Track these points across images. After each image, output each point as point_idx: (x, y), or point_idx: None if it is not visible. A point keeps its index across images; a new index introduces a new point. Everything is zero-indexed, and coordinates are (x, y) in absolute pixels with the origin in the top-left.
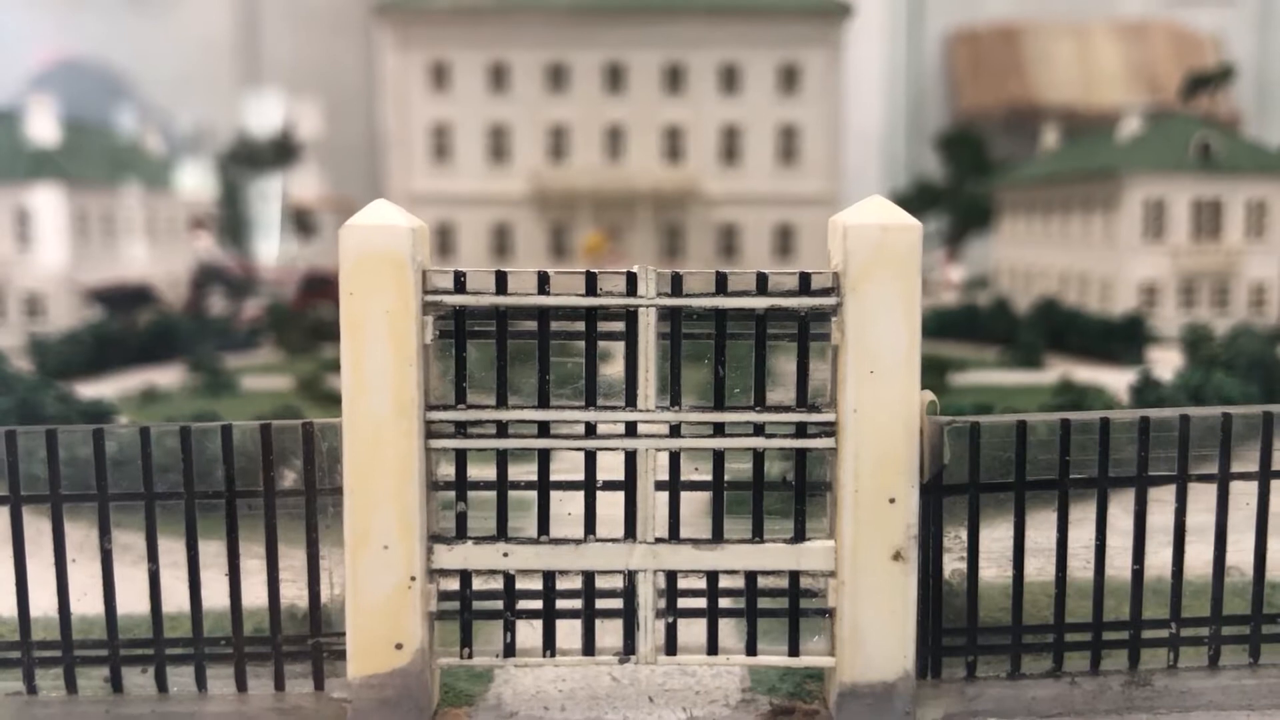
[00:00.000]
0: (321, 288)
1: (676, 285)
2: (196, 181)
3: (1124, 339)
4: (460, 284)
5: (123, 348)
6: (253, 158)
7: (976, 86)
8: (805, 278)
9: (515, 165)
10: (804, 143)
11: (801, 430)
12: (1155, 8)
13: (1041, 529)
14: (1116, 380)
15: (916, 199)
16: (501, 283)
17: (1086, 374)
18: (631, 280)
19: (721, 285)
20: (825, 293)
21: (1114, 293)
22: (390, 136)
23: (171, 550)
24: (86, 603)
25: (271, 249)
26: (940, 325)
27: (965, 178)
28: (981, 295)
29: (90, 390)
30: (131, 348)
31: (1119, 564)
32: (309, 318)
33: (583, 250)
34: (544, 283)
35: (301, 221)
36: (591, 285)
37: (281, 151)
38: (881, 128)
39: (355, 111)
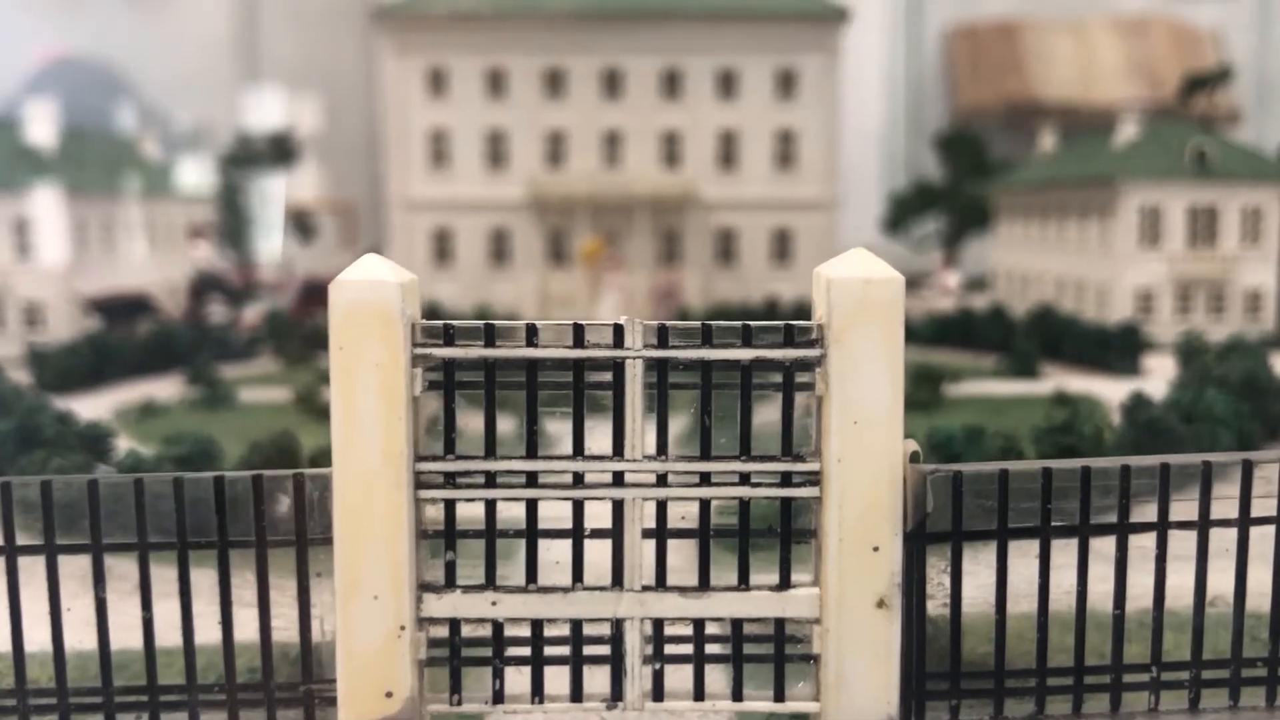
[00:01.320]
0: (320, 296)
1: (663, 337)
2: (196, 180)
3: (1119, 348)
4: (449, 337)
5: (121, 359)
6: (251, 159)
7: (976, 83)
8: (789, 329)
9: (513, 171)
10: (801, 147)
11: (786, 479)
12: (1155, 3)
13: (1027, 566)
14: (1111, 390)
15: (915, 199)
16: (490, 335)
17: (1082, 384)
18: (619, 332)
19: (707, 337)
20: (809, 344)
21: (1110, 299)
22: (389, 142)
23: (168, 580)
24: (85, 638)
25: (271, 251)
26: (937, 332)
27: (963, 178)
28: (979, 299)
29: (89, 403)
30: (130, 359)
31: (1105, 606)
32: (307, 326)
33: (580, 256)
34: (532, 335)
35: (301, 223)
36: (579, 337)
37: (280, 151)
38: (881, 125)
39: (355, 110)
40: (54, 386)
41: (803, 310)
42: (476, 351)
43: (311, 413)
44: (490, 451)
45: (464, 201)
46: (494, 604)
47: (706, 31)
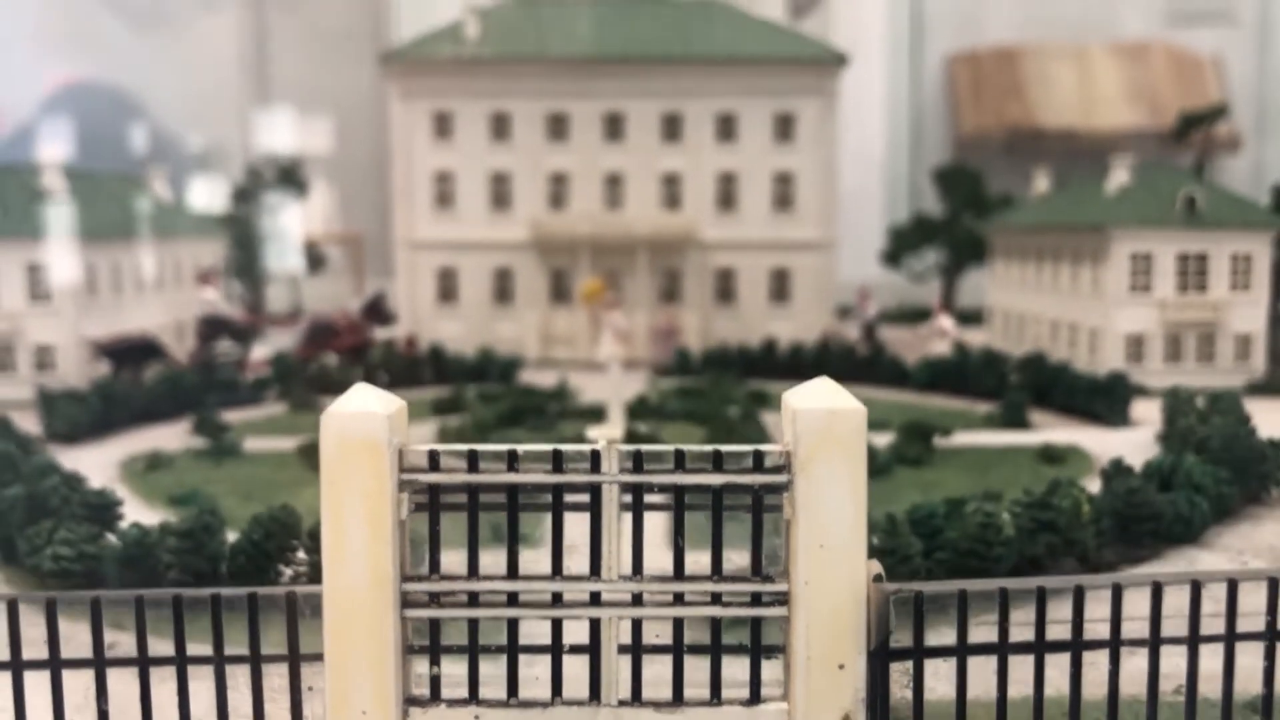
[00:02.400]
0: (327, 337)
1: (638, 463)
2: (206, 204)
3: (1108, 397)
4: (435, 463)
5: (128, 406)
6: (261, 189)
7: (977, 109)
8: (759, 456)
9: (516, 212)
10: (799, 189)
11: (756, 599)
12: (1155, 29)
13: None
14: (1100, 442)
15: (914, 233)
16: (473, 462)
17: (1071, 434)
18: (596, 458)
19: (680, 462)
20: (777, 470)
21: (1102, 344)
22: (395, 183)
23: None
24: None
25: (287, 274)
26: (932, 377)
27: (961, 212)
28: (976, 336)
29: (97, 454)
30: (137, 405)
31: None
32: (313, 369)
33: (581, 296)
34: (513, 461)
35: (310, 255)
36: (558, 463)
37: (289, 180)
38: (883, 152)
39: (364, 138)
40: (62, 436)
41: (800, 352)
42: (460, 477)
43: (316, 465)
44: (474, 571)
45: (468, 242)
46: (477, 718)
47: (706, 76)
